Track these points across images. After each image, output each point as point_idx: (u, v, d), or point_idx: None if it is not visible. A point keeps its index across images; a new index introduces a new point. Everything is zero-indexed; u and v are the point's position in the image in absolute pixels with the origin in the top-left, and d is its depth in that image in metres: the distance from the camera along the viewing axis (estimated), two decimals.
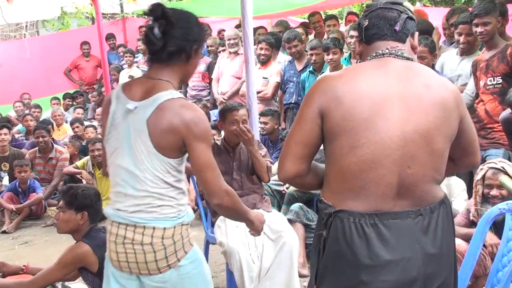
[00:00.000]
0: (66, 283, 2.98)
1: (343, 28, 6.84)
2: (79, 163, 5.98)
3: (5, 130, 6.28)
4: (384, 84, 1.64)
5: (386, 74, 1.66)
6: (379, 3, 1.76)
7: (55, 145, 6.36)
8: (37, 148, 6.30)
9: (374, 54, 1.72)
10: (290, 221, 3.83)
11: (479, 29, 3.72)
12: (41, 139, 6.15)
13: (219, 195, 1.88)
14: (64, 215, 2.76)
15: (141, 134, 1.83)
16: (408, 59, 1.72)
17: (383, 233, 1.61)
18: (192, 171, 1.93)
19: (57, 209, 2.86)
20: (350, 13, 8.24)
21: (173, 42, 1.85)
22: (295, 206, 4.05)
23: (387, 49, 1.71)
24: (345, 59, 5.25)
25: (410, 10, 1.76)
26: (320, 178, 1.76)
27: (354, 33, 5.15)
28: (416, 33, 1.78)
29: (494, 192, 3.00)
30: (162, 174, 1.86)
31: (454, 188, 3.67)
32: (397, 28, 1.71)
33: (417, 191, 1.64)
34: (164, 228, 1.87)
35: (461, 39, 4.18)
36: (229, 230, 3.20)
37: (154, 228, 1.86)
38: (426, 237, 1.64)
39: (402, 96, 1.63)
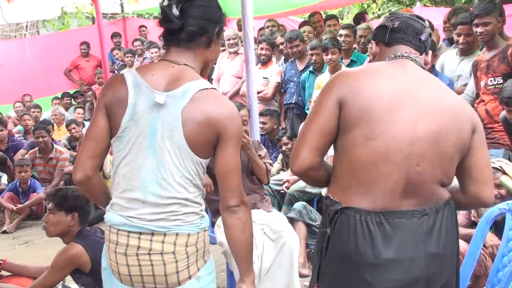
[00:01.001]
0: (66, 283, 2.98)
1: None
2: None
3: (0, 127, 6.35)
4: (402, 81, 1.69)
5: (405, 73, 1.71)
6: (404, 14, 1.84)
7: (55, 145, 6.35)
8: (37, 148, 6.30)
9: (393, 56, 1.77)
10: (292, 219, 3.83)
11: (479, 29, 3.72)
12: (40, 139, 6.15)
13: (239, 201, 1.70)
14: (54, 217, 2.71)
15: (173, 130, 1.61)
16: (423, 68, 1.78)
17: (387, 232, 1.61)
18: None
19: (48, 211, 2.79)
20: (363, 12, 8.25)
21: (194, 21, 1.66)
22: (299, 204, 4.04)
23: (406, 53, 1.77)
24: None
25: (430, 30, 1.86)
26: (329, 174, 1.77)
27: (344, 32, 5.43)
28: (430, 52, 1.86)
29: None
30: (192, 176, 1.66)
31: None
32: (422, 37, 1.78)
33: (423, 190, 1.65)
34: (189, 235, 1.66)
35: (460, 39, 4.18)
36: None
37: (177, 234, 1.65)
38: (430, 237, 1.65)
39: (418, 95, 1.66)
